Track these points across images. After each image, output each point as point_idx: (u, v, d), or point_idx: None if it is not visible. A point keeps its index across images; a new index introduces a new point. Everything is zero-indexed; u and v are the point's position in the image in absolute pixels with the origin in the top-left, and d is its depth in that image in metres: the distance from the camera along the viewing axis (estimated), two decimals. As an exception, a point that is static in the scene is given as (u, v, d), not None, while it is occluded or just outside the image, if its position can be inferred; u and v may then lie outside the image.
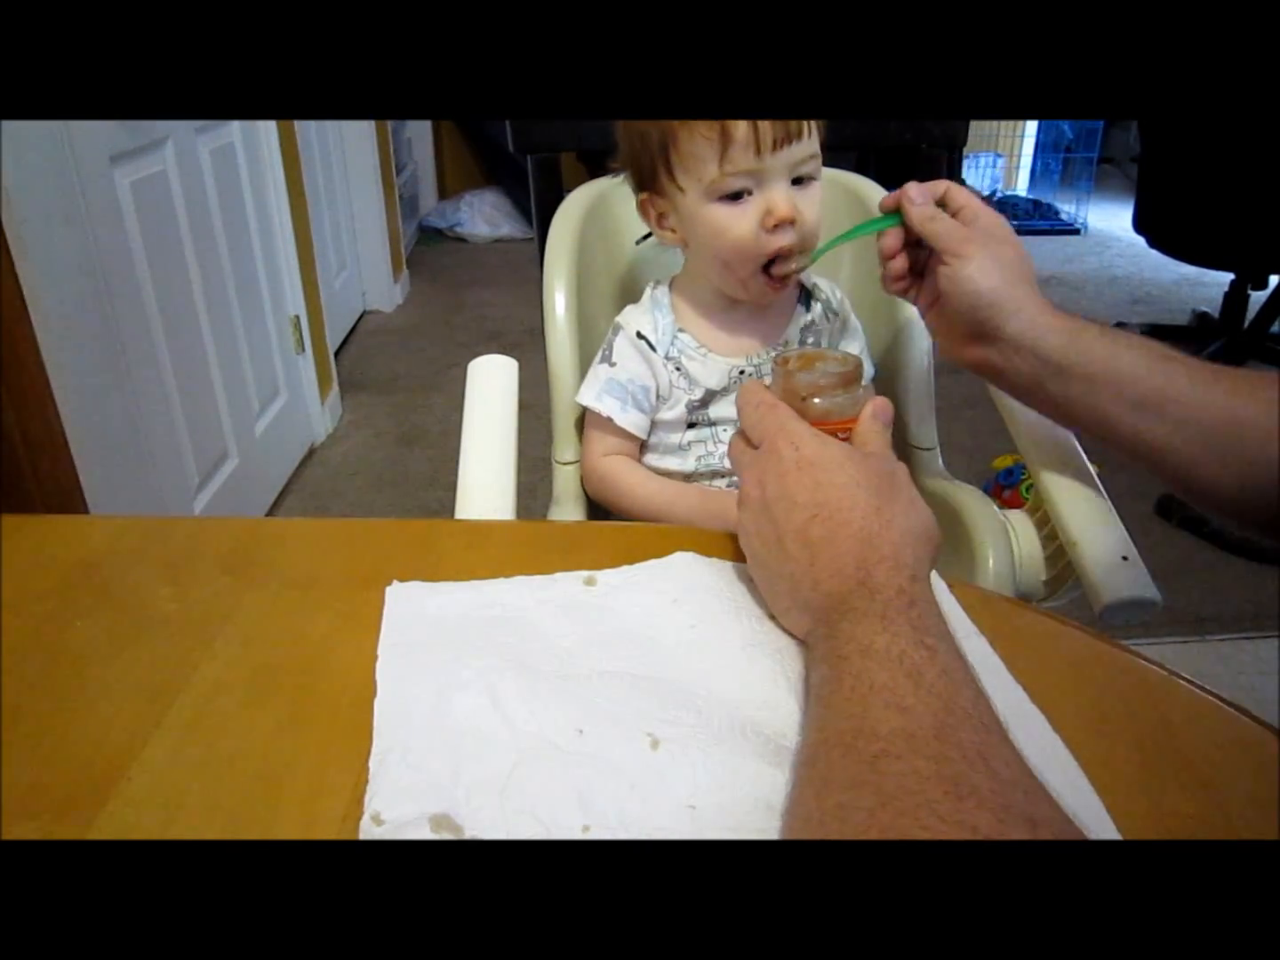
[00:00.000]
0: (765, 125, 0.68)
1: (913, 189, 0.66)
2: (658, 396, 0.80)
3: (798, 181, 0.71)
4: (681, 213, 0.74)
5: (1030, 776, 0.32)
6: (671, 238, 0.78)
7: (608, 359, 0.80)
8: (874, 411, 0.50)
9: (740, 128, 0.68)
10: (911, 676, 0.36)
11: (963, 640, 0.45)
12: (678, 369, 0.79)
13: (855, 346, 0.86)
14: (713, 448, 0.81)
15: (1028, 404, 0.68)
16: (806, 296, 0.83)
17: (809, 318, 0.82)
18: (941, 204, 0.66)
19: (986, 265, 0.62)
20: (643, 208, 0.78)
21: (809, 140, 0.70)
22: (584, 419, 0.85)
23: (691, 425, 0.80)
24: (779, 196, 0.70)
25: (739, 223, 0.71)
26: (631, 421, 0.79)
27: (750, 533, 0.48)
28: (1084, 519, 0.71)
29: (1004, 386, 0.67)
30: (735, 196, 0.71)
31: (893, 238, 0.68)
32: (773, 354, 0.79)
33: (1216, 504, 0.59)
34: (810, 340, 0.82)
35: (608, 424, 0.79)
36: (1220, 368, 0.58)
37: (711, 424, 0.80)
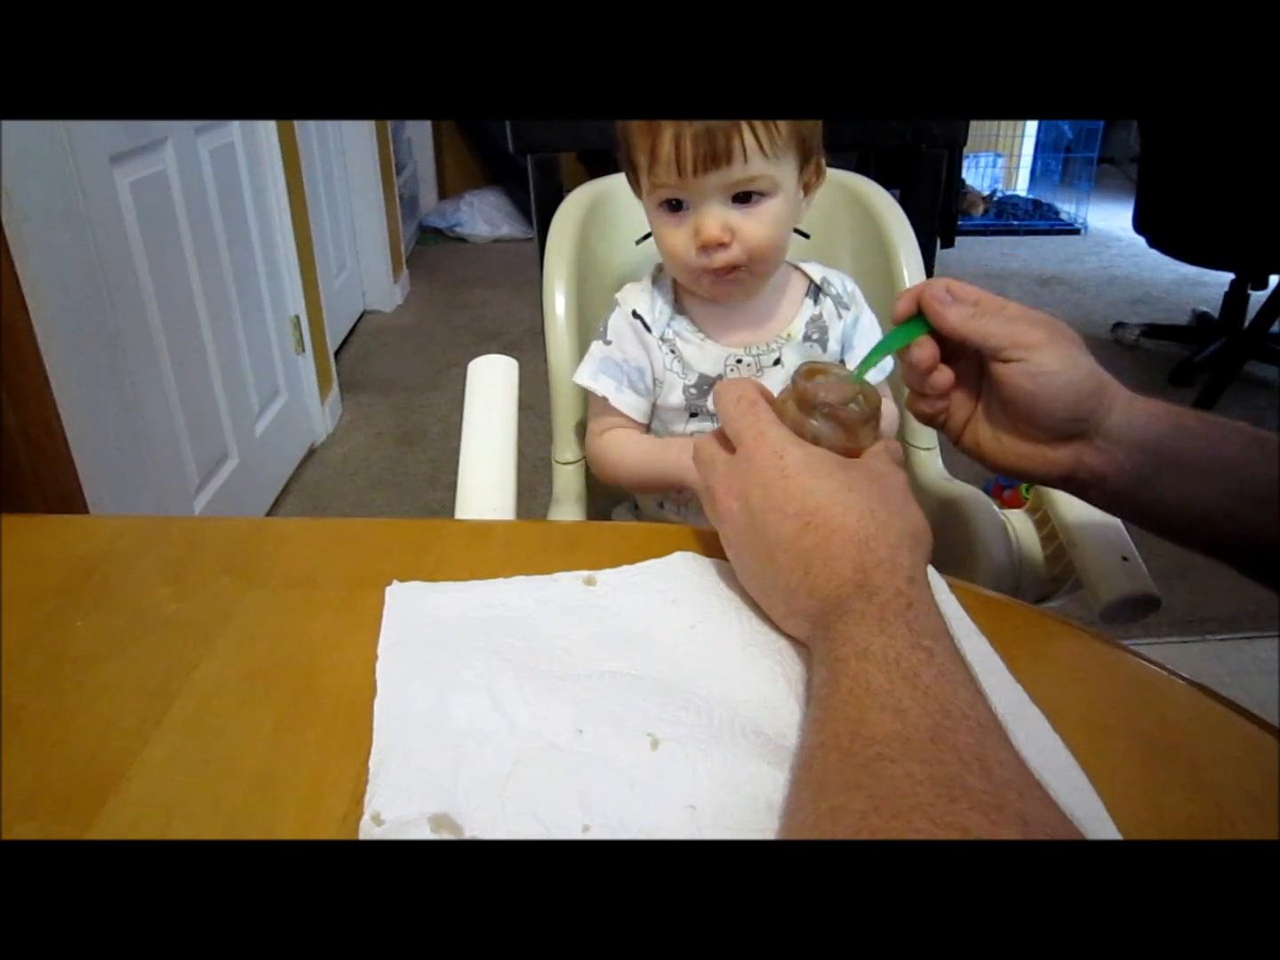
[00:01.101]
0: (688, 147, 0.65)
1: (935, 286, 0.52)
2: (654, 380, 0.79)
3: (744, 199, 0.69)
4: (645, 210, 0.75)
5: (1027, 776, 0.32)
6: None
7: (603, 336, 0.80)
8: (884, 446, 0.48)
9: (665, 146, 0.66)
10: (908, 679, 0.36)
11: (962, 640, 0.45)
12: (672, 352, 0.78)
13: (870, 341, 0.83)
14: None
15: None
16: (815, 290, 0.81)
17: (816, 310, 0.80)
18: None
19: (1063, 349, 0.51)
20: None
21: (745, 165, 0.67)
22: (585, 414, 0.85)
23: (694, 415, 0.80)
24: (708, 219, 0.69)
25: (675, 235, 0.72)
26: (627, 403, 0.78)
27: (736, 546, 0.47)
28: (1084, 519, 0.71)
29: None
30: (675, 206, 0.71)
31: (927, 349, 0.53)
32: (772, 346, 0.79)
33: None
34: (815, 336, 0.80)
35: (605, 404, 0.79)
36: None
37: (713, 415, 0.80)
